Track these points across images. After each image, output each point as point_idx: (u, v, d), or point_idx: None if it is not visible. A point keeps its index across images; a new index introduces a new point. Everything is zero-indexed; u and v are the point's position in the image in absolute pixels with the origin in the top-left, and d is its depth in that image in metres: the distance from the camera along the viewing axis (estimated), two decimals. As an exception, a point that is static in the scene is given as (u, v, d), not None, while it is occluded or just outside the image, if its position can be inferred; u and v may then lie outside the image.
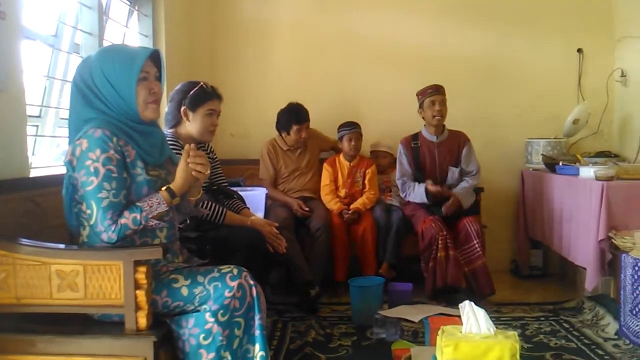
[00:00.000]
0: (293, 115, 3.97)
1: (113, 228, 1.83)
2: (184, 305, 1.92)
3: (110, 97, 1.94)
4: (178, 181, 2.01)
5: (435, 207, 3.75)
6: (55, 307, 1.83)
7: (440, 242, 3.55)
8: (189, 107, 2.78)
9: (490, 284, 3.59)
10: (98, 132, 1.87)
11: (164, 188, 1.96)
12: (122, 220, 1.84)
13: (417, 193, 3.81)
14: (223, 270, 1.96)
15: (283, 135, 4.05)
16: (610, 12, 4.45)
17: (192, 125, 2.80)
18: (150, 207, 1.89)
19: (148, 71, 2.01)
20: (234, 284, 1.92)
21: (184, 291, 1.91)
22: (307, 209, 3.89)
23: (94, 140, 1.85)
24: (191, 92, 2.78)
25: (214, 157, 3.08)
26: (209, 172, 2.06)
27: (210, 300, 1.89)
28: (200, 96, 2.79)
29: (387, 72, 4.56)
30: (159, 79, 2.07)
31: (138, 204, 1.90)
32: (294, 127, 3.96)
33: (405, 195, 3.92)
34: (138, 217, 1.86)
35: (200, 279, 1.94)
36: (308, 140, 4.12)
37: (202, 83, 2.83)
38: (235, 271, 1.96)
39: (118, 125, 1.93)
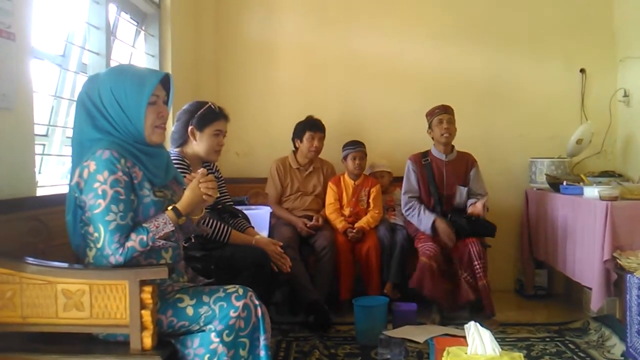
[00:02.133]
0: (308, 123, 4.07)
1: (120, 251, 1.83)
2: (189, 325, 1.91)
3: (117, 118, 1.94)
4: (185, 201, 2.01)
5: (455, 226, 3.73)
6: (61, 326, 1.83)
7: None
8: (196, 127, 2.80)
9: (490, 305, 3.58)
10: (106, 153, 1.86)
11: (169, 208, 1.97)
12: (130, 243, 1.84)
13: (424, 222, 3.76)
14: (228, 290, 1.97)
15: (297, 144, 4.11)
16: (612, 32, 4.48)
17: (198, 145, 2.82)
18: (157, 227, 1.90)
19: (158, 95, 2.02)
20: (240, 304, 1.92)
21: (190, 311, 1.91)
22: (310, 225, 3.90)
23: (102, 162, 1.85)
24: (199, 112, 2.81)
25: (219, 175, 3.09)
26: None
27: (216, 320, 1.89)
28: (208, 116, 2.81)
29: (389, 92, 4.59)
30: (166, 102, 2.08)
31: (144, 224, 1.90)
32: (307, 134, 4.03)
33: (408, 215, 3.89)
34: (145, 238, 1.87)
35: (205, 298, 1.94)
36: (323, 167, 4.20)
37: (210, 103, 2.85)
38: (240, 291, 1.97)
39: (125, 146, 1.93)
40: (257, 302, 1.98)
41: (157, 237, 1.89)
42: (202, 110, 2.81)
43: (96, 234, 1.85)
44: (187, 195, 2.02)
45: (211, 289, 2.00)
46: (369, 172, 4.30)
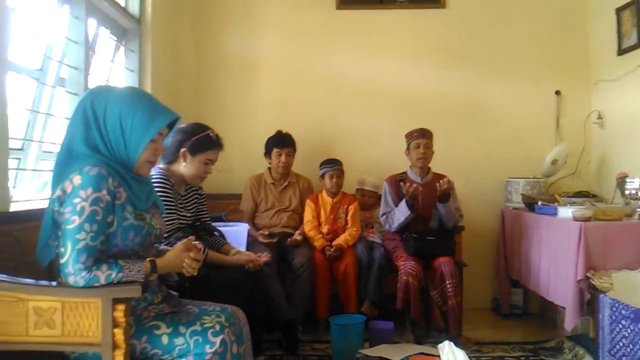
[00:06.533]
0: (275, 140, 4.11)
1: (84, 274, 1.76)
2: (162, 355, 1.88)
3: (114, 140, 1.91)
4: (165, 262, 1.95)
5: (415, 244, 3.74)
6: (32, 344, 1.78)
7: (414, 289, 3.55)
8: (189, 150, 2.77)
9: (457, 326, 3.59)
10: (95, 170, 1.81)
11: (149, 259, 1.90)
12: (97, 272, 1.77)
13: (400, 210, 3.79)
14: (205, 325, 1.95)
15: (268, 161, 4.16)
16: (586, 56, 4.59)
17: (186, 168, 2.80)
18: (130, 271, 1.82)
19: (162, 133, 2.02)
20: (217, 339, 1.91)
21: (165, 339, 1.89)
22: (290, 240, 3.91)
23: (89, 178, 1.80)
24: (196, 137, 2.79)
25: (202, 193, 3.07)
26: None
27: (190, 355, 1.88)
28: (204, 143, 2.80)
29: (367, 111, 4.65)
30: (165, 138, 2.09)
31: (120, 262, 1.82)
32: (274, 150, 4.08)
33: (389, 226, 3.91)
34: (113, 275, 1.78)
35: (182, 329, 1.92)
36: (299, 182, 4.23)
37: (209, 131, 2.84)
38: (217, 327, 1.95)
39: (112, 165, 1.89)
40: (233, 338, 1.97)
41: (124, 279, 1.80)
42: (199, 135, 2.80)
43: (62, 249, 1.79)
44: (170, 259, 1.97)
45: (188, 320, 1.97)
46: (356, 187, 4.33)
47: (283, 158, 4.07)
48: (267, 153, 4.14)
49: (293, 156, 4.14)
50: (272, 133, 4.17)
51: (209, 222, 3.08)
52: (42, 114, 2.88)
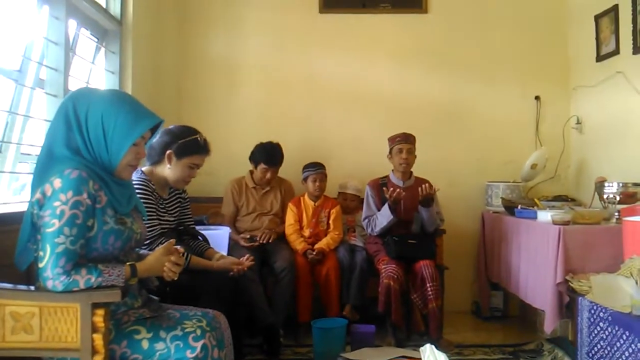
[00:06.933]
0: (265, 154, 4.01)
1: (62, 279, 1.73)
2: None
3: (95, 143, 1.89)
4: (145, 266, 1.94)
5: (397, 247, 3.74)
6: (8, 350, 1.76)
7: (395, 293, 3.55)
8: (175, 153, 2.73)
9: (438, 328, 3.61)
10: (75, 173, 1.79)
11: (129, 263, 1.89)
12: (76, 276, 1.74)
13: (382, 214, 3.80)
14: (186, 329, 1.93)
15: (252, 168, 4.09)
16: (566, 62, 4.65)
17: (171, 171, 2.76)
18: (110, 275, 1.80)
19: (144, 137, 2.00)
20: (197, 344, 1.89)
21: (145, 344, 1.87)
22: (248, 237, 3.88)
23: (69, 182, 1.78)
24: (183, 140, 2.75)
25: (186, 197, 3.04)
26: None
27: None
28: (191, 147, 2.76)
29: (351, 114, 4.66)
30: (147, 142, 2.06)
31: (100, 266, 1.80)
32: (261, 165, 4.00)
33: (371, 230, 3.91)
34: (93, 279, 1.76)
35: (162, 334, 1.90)
36: (281, 186, 4.19)
37: (197, 135, 2.80)
38: (198, 332, 1.93)
39: (93, 168, 1.87)
40: (214, 343, 1.96)
41: (103, 284, 1.78)
42: (187, 139, 2.76)
43: (41, 253, 1.76)
44: (150, 262, 1.96)
45: (169, 324, 1.95)
46: (339, 191, 4.33)
47: (269, 175, 4.01)
48: (254, 162, 4.05)
49: (277, 172, 4.09)
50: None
51: (193, 226, 3.05)
52: (21, 115, 2.84)
